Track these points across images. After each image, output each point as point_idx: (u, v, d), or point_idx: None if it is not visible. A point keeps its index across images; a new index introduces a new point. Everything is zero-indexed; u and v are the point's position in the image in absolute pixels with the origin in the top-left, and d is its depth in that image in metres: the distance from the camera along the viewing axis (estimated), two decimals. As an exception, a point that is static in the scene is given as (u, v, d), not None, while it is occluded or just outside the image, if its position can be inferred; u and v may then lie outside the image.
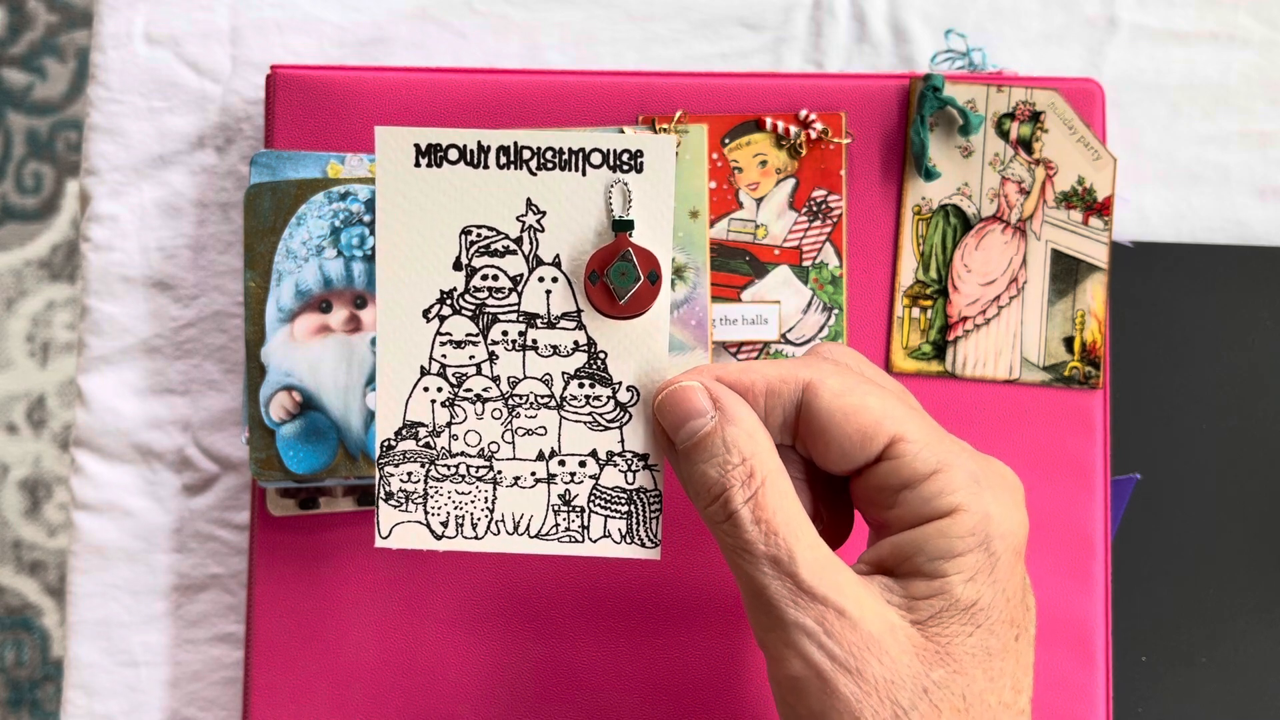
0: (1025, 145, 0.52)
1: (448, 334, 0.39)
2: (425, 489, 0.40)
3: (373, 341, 0.48)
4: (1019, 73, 0.55)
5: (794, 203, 0.52)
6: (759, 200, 0.52)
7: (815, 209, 0.52)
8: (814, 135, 0.51)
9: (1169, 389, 0.55)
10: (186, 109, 0.54)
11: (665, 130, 0.51)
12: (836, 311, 0.52)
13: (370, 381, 0.48)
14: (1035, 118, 0.52)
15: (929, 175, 0.51)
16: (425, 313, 0.39)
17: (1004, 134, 0.52)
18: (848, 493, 0.41)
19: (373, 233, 0.49)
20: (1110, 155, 0.52)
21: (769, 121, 0.51)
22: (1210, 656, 0.54)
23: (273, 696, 0.50)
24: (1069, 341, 0.52)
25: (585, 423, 0.39)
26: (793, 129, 0.51)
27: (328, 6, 0.55)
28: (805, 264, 0.52)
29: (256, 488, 0.50)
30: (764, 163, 0.51)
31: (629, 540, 0.40)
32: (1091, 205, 0.52)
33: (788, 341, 0.51)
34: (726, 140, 0.51)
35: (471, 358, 0.39)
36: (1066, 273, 0.52)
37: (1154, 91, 0.57)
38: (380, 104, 0.51)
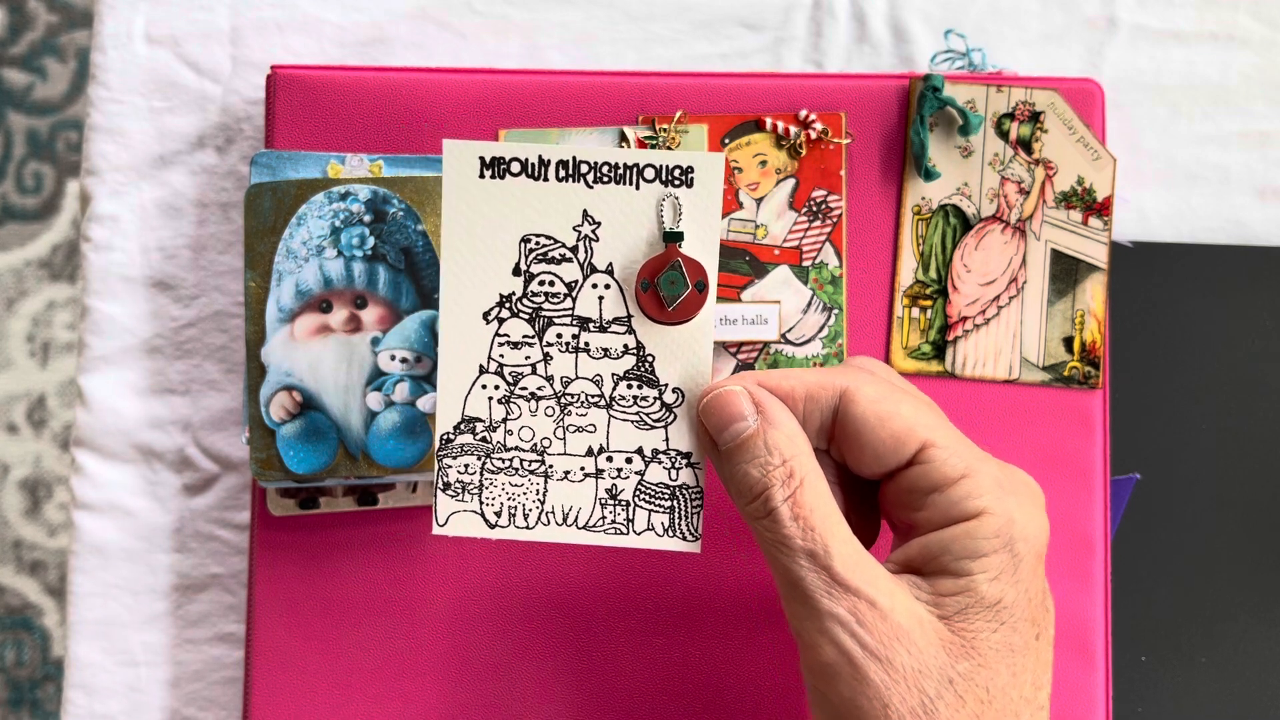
0: (1025, 145, 0.52)
1: (506, 335, 0.41)
2: (480, 480, 0.42)
3: (373, 341, 0.49)
4: (1019, 73, 0.55)
5: (794, 203, 0.52)
6: (759, 200, 0.52)
7: (815, 209, 0.52)
8: (814, 135, 0.51)
9: (1169, 389, 0.55)
10: (187, 109, 0.54)
11: (665, 130, 0.51)
12: (836, 311, 0.52)
13: (370, 381, 0.48)
14: (1035, 118, 0.52)
15: (929, 175, 0.51)
16: (485, 315, 0.41)
17: (1004, 134, 0.52)
18: (876, 499, 0.43)
19: (372, 233, 0.49)
20: (1110, 155, 0.52)
21: (769, 122, 0.51)
22: (1210, 656, 0.54)
23: (273, 696, 0.50)
24: (1068, 341, 0.52)
25: (632, 422, 0.41)
26: (793, 129, 0.51)
27: (328, 6, 0.55)
28: (805, 264, 0.52)
29: (256, 488, 0.50)
30: (764, 163, 0.51)
31: (671, 534, 0.41)
32: (1091, 205, 0.52)
33: (787, 341, 0.52)
34: (726, 140, 0.51)
35: (527, 358, 0.41)
36: (1066, 273, 0.52)
37: (1154, 92, 0.57)
38: (380, 104, 0.51)
